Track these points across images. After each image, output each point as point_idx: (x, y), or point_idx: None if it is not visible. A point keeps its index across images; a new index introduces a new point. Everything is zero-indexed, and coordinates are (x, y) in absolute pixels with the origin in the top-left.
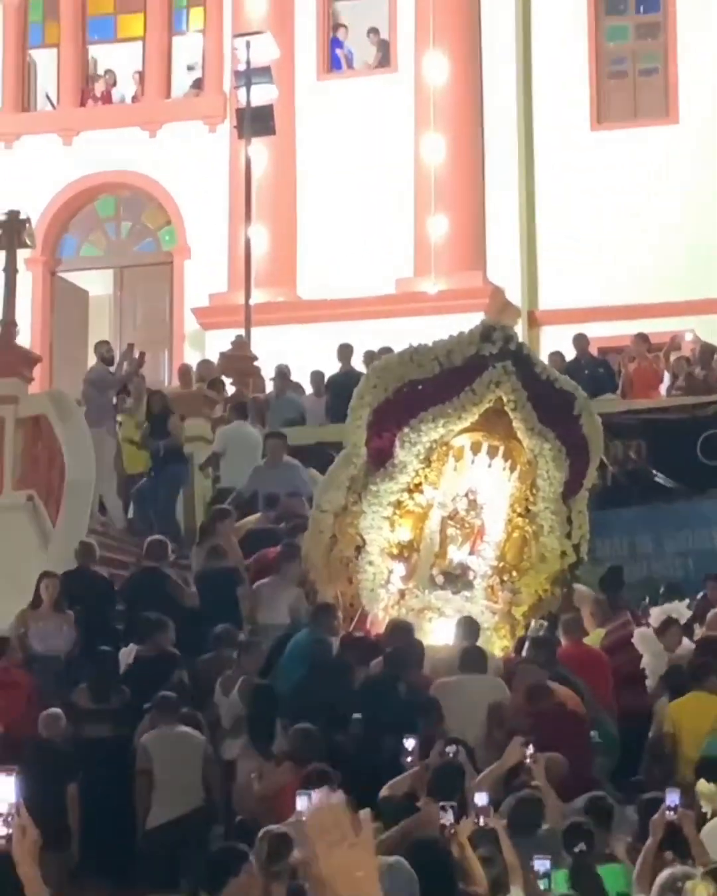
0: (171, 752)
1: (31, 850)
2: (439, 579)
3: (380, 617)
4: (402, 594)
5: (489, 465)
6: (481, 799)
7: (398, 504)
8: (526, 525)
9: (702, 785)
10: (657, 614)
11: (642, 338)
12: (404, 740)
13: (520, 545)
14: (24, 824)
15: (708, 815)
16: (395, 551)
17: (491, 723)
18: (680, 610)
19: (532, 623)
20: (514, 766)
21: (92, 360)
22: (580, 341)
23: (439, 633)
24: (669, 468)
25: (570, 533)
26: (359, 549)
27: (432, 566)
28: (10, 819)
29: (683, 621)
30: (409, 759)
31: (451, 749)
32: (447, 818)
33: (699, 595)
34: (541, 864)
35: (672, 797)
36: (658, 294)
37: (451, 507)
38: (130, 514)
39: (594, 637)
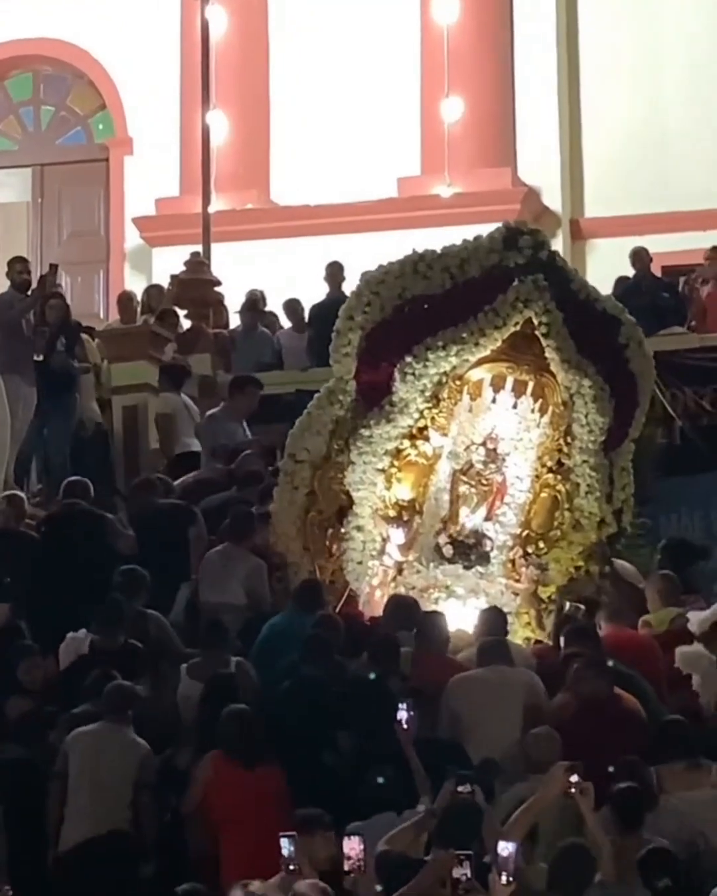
0: (97, 756)
1: None
2: (447, 550)
3: (378, 596)
4: (399, 568)
5: (514, 406)
6: (505, 849)
7: (397, 453)
8: (558, 483)
9: None
10: (698, 621)
11: None
12: (398, 710)
13: (550, 509)
14: None
15: None
16: (392, 513)
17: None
18: None
19: (567, 606)
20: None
21: (4, 285)
22: (640, 258)
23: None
24: None
25: (610, 495)
26: (344, 510)
27: (438, 533)
28: None
29: None
30: (405, 727)
31: (464, 788)
32: (463, 872)
33: None
34: None
35: None
36: None
37: (464, 458)
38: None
39: (661, 617)
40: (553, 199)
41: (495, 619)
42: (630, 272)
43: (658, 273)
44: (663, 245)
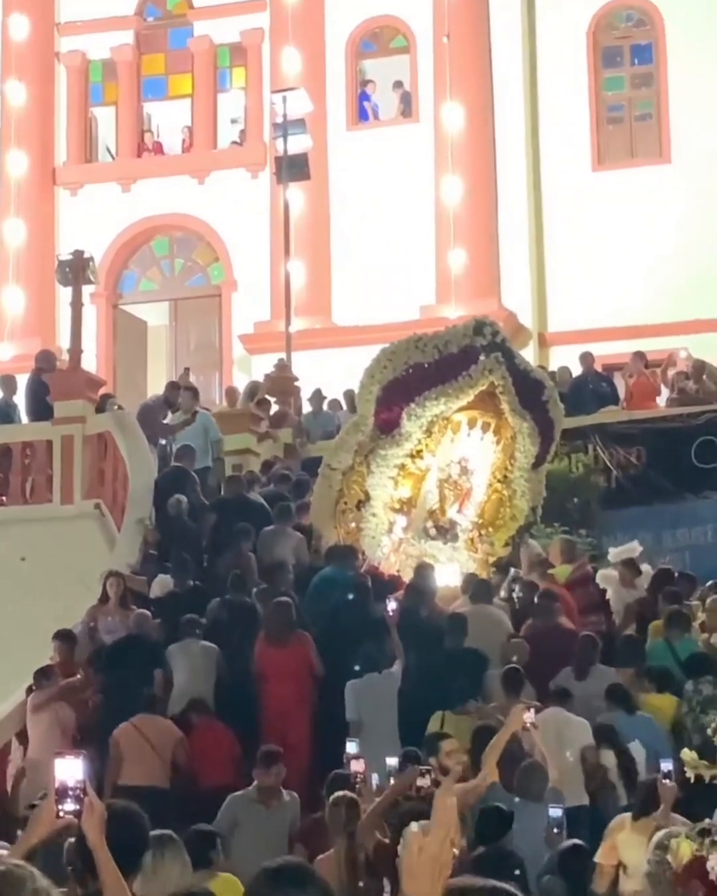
0: (186, 660)
1: (98, 823)
2: (432, 531)
3: (392, 560)
4: (401, 542)
5: (481, 439)
6: (392, 760)
7: (402, 467)
8: (503, 490)
9: (685, 753)
10: (614, 553)
11: (639, 355)
12: (388, 602)
13: (497, 506)
14: (92, 801)
15: (692, 781)
16: (396, 506)
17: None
18: (634, 548)
19: (512, 571)
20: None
21: (151, 383)
22: (586, 359)
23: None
24: (666, 471)
25: (531, 499)
26: (361, 503)
27: (426, 520)
28: (80, 795)
29: (635, 555)
30: (391, 614)
31: (449, 748)
32: (425, 781)
33: (711, 583)
34: (554, 812)
35: (666, 764)
36: (656, 315)
37: (446, 471)
38: None
39: (562, 571)
40: (526, 319)
41: (471, 578)
42: (578, 367)
43: (599, 369)
44: (602, 350)
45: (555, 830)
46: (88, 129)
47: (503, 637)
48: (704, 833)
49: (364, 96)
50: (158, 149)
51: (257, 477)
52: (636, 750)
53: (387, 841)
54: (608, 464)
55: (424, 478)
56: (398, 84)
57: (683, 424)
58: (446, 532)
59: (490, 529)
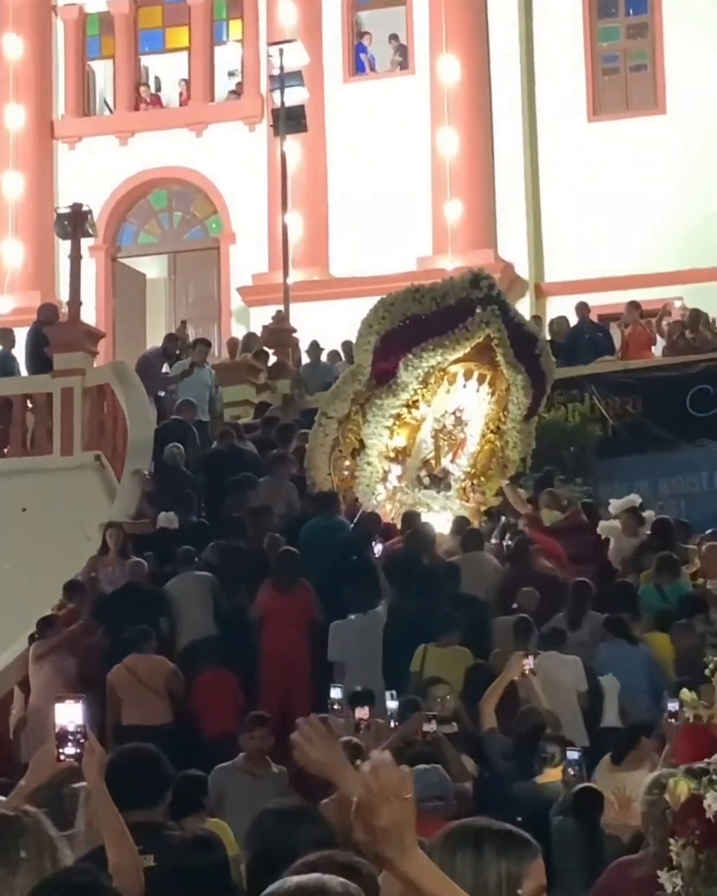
0: (185, 593)
1: (98, 767)
2: (426, 480)
3: (387, 509)
4: (395, 491)
5: (477, 390)
6: (391, 701)
7: (398, 416)
8: (496, 440)
9: (684, 693)
10: (615, 506)
11: (634, 305)
12: (375, 544)
13: (489, 456)
14: (92, 745)
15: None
16: (391, 455)
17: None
18: (633, 500)
19: (503, 519)
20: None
21: (150, 336)
22: (582, 309)
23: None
24: (662, 420)
25: (521, 450)
26: (356, 451)
27: (420, 469)
28: (80, 739)
29: (636, 505)
30: (377, 556)
31: (441, 694)
32: (430, 726)
33: (709, 531)
34: (572, 754)
35: (673, 704)
36: (651, 265)
37: (441, 422)
38: None
39: (550, 515)
40: (523, 270)
41: (462, 521)
42: (574, 317)
43: (595, 319)
44: (598, 300)
45: (571, 771)
46: (86, 83)
47: (495, 583)
48: (701, 772)
49: (360, 48)
50: (156, 102)
51: (241, 431)
52: (609, 683)
53: None
54: (604, 413)
55: (419, 427)
56: (394, 36)
57: (678, 373)
58: (439, 481)
59: (482, 479)
